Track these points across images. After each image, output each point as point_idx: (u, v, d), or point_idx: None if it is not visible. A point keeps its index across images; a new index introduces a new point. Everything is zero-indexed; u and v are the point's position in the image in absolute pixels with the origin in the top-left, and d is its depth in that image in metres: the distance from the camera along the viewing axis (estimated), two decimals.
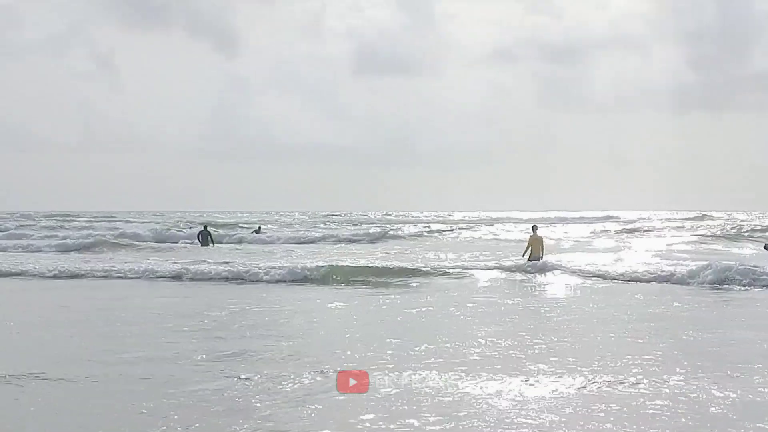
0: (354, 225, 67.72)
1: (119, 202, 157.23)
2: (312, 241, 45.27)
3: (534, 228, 24.98)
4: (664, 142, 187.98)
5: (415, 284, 19.92)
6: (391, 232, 51.06)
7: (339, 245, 41.95)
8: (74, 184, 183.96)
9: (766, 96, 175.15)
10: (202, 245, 36.88)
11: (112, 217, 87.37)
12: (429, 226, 61.09)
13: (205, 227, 38.99)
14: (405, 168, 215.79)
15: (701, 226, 59.50)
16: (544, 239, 24.90)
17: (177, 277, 22.13)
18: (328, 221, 79.87)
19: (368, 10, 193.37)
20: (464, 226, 64.44)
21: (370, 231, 51.52)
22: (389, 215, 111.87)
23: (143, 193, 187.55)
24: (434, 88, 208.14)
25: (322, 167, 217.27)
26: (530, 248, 24.03)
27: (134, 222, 70.29)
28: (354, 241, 44.75)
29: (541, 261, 23.40)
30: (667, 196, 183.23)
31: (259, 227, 52.54)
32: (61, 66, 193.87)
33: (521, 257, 24.59)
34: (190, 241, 41.39)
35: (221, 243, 41.06)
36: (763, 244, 24.30)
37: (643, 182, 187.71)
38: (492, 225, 65.81)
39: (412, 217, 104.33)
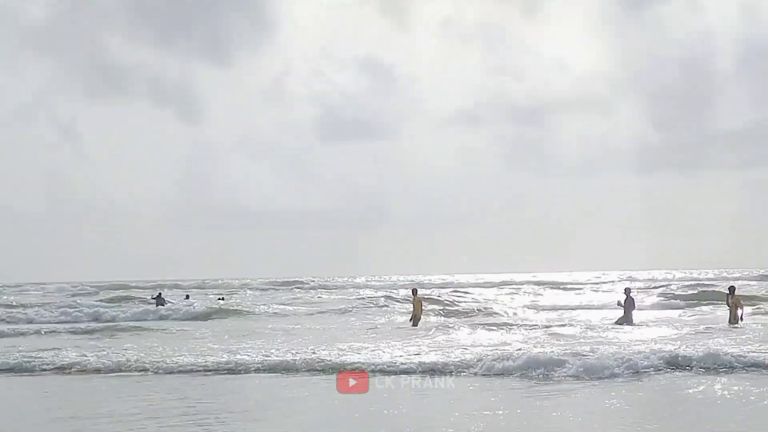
0: (339, 290, 68.34)
1: (87, 271, 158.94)
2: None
3: (414, 291, 28.23)
4: (629, 201, 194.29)
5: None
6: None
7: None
8: (41, 254, 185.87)
9: (731, 154, 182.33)
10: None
11: (86, 288, 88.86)
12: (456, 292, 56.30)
13: (159, 294, 42.91)
14: (376, 232, 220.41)
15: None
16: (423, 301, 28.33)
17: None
18: (308, 287, 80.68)
19: (331, 75, 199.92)
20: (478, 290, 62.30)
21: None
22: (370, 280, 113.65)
23: (111, 262, 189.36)
24: (401, 150, 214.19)
25: (293, 232, 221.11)
26: (414, 311, 26.81)
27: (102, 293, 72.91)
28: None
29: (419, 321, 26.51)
30: (637, 254, 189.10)
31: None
32: (26, 137, 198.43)
33: (409, 322, 26.88)
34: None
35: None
36: (617, 301, 26.08)
37: (609, 241, 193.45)
38: (519, 287, 66.84)
39: (388, 280, 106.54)
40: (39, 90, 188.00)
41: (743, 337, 20.05)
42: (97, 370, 15.98)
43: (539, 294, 55.11)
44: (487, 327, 25.14)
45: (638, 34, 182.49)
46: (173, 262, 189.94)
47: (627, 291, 26.55)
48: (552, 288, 64.38)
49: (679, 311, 35.21)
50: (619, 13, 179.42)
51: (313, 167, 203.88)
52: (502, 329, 24.20)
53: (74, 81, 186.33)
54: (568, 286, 67.84)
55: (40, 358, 17.56)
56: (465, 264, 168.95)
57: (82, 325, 30.80)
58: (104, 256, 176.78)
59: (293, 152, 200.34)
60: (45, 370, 16.33)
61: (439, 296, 45.87)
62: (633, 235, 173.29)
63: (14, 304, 47.95)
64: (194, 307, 39.15)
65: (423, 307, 28.11)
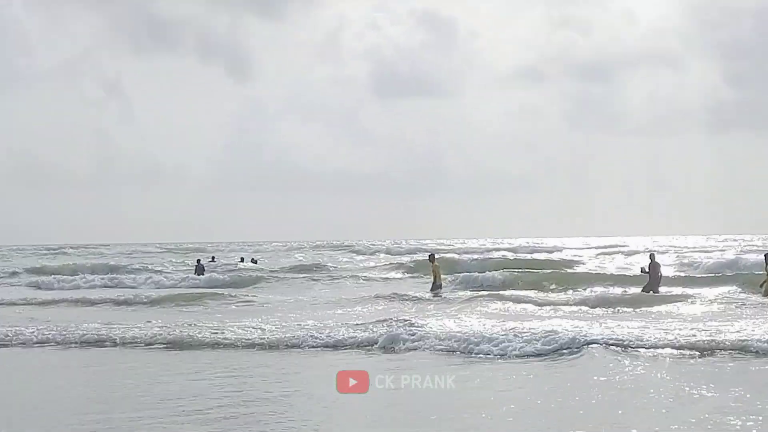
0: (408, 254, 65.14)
1: (133, 234, 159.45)
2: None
3: (431, 257, 28.41)
4: (701, 162, 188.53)
5: None
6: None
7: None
8: (88, 217, 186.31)
9: None
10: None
11: (138, 250, 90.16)
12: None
13: (199, 261, 42.23)
14: (434, 194, 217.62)
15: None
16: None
17: None
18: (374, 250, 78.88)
19: (387, 29, 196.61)
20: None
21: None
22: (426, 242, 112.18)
23: (158, 223, 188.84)
24: (460, 109, 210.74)
25: (347, 194, 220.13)
26: (435, 277, 27.16)
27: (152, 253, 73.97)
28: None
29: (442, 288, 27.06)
30: (706, 218, 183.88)
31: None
32: (70, 93, 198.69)
33: (430, 291, 26.74)
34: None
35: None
36: (640, 268, 26.03)
37: (681, 205, 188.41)
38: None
39: (444, 244, 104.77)
40: (84, 45, 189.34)
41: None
42: None
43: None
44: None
45: None
46: (221, 223, 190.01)
47: (651, 256, 25.90)
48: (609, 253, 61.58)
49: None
50: None
51: (367, 126, 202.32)
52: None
53: (120, 35, 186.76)
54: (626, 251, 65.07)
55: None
56: (527, 228, 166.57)
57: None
58: (150, 217, 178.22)
59: (346, 110, 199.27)
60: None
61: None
62: (704, 197, 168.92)
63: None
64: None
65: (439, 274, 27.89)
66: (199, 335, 16.65)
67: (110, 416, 10.11)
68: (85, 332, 17.44)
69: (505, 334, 14.53)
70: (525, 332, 14.66)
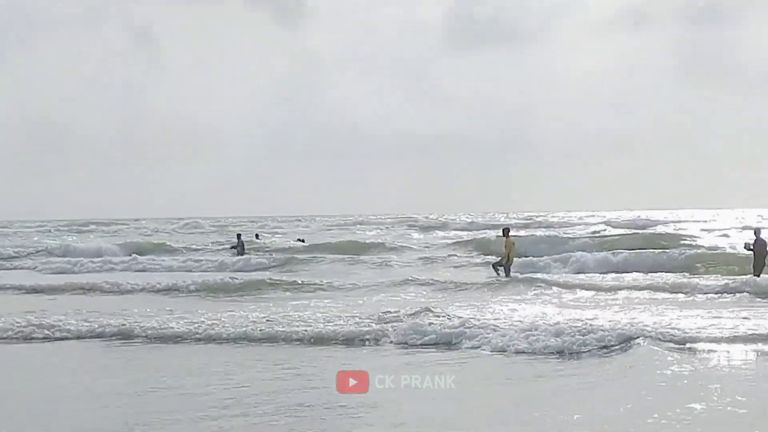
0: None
1: (166, 208, 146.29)
2: None
3: (506, 231, 26.62)
4: None
5: None
6: None
7: None
8: (114, 188, 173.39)
9: None
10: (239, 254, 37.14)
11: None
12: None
13: (239, 236, 39.67)
14: (518, 160, 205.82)
15: None
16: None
17: None
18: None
19: None
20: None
21: None
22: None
23: (195, 193, 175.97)
24: (550, 59, 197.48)
25: (415, 161, 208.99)
26: (506, 254, 25.50)
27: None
28: None
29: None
30: None
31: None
32: (94, 44, 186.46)
33: (499, 272, 25.04)
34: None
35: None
36: (744, 243, 24.19)
37: None
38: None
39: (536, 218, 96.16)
40: None
41: None
42: None
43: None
44: None
45: None
46: (267, 194, 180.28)
47: (756, 232, 23.55)
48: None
49: None
50: None
51: (440, 81, 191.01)
52: None
53: None
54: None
55: None
56: (629, 200, 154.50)
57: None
58: (185, 186, 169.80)
59: (415, 62, 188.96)
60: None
61: None
62: None
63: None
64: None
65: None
66: (232, 328, 15.83)
67: (142, 415, 9.84)
68: (108, 324, 16.43)
69: (525, 328, 13.82)
70: (557, 324, 13.82)
